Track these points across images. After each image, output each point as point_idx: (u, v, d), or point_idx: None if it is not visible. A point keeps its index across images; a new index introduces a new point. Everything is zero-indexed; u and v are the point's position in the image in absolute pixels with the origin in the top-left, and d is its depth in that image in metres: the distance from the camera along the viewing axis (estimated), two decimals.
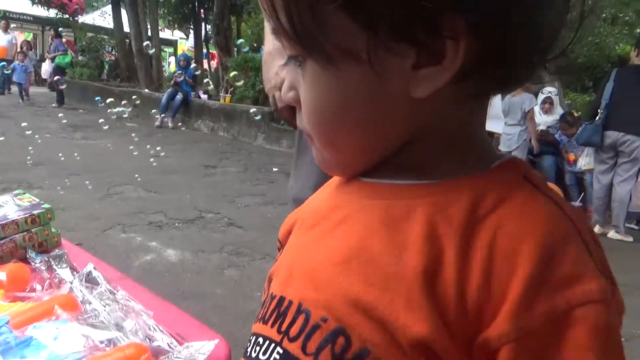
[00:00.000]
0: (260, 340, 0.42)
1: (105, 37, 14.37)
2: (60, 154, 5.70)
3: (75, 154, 5.91)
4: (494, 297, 0.32)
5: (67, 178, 4.66)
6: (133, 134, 7.36)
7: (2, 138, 5.90)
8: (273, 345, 0.40)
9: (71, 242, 2.85)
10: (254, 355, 0.42)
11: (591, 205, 4.95)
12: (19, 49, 11.58)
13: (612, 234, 4.55)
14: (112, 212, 3.74)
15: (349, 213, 0.41)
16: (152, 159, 6.01)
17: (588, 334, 0.31)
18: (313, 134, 0.41)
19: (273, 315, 0.42)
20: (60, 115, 8.95)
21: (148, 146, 6.47)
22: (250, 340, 0.43)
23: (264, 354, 0.40)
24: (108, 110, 2.25)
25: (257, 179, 5.50)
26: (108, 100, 2.48)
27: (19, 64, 10.64)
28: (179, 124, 9.04)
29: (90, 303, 0.90)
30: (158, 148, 6.41)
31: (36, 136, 6.77)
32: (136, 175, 4.98)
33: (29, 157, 5.03)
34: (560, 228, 0.34)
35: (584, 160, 5.32)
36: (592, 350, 0.31)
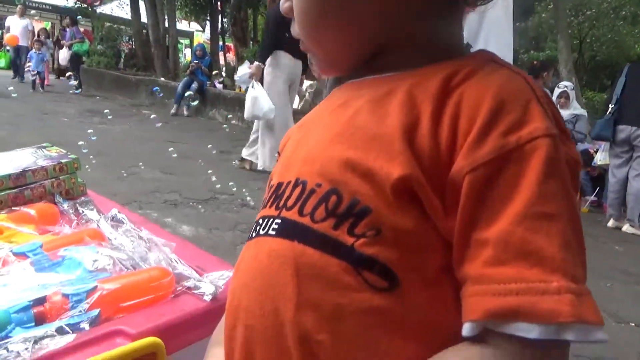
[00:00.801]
0: (260, 220, 0.47)
1: (122, 26, 14.52)
2: (78, 137, 5.80)
3: (93, 138, 6.02)
4: (459, 144, 0.37)
5: (85, 159, 4.75)
6: (149, 121, 7.45)
7: (21, 121, 6.02)
8: (271, 220, 0.45)
9: None
10: (254, 235, 0.46)
11: (606, 201, 4.92)
12: (36, 37, 11.59)
13: (626, 227, 4.52)
14: (129, 191, 3.81)
15: (338, 104, 0.47)
16: (167, 145, 6.09)
17: (536, 163, 0.35)
18: (303, 35, 0.48)
19: (271, 199, 0.47)
20: (78, 101, 9.10)
21: (164, 132, 6.57)
22: (251, 229, 0.48)
23: (263, 229, 0.45)
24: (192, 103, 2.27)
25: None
26: (187, 93, 2.47)
27: (35, 52, 10.63)
28: (185, 112, 9.12)
29: (116, 238, 0.94)
30: (174, 134, 6.50)
31: (54, 120, 6.90)
32: (152, 159, 5.06)
33: (47, 139, 5.14)
34: (514, 86, 0.39)
35: (600, 156, 5.28)
36: (538, 173, 0.35)
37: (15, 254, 0.80)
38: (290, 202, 0.44)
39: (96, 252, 0.83)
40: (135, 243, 0.93)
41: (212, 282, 0.80)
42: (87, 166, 4.39)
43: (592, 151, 5.63)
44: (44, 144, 1.31)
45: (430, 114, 0.39)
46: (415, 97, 0.41)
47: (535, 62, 6.43)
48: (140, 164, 4.77)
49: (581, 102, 7.26)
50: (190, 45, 18.74)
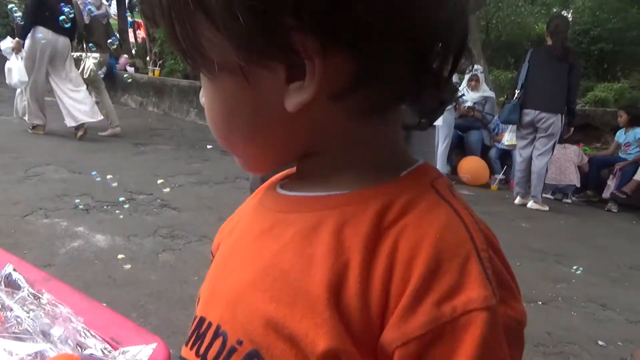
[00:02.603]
0: None
1: (15, 0, 13.06)
2: None
3: None
4: (391, 305, 0.34)
5: None
6: (52, 110, 6.83)
7: None
8: None
9: None
10: None
11: (513, 178, 5.30)
12: None
13: (531, 204, 4.92)
14: (32, 196, 3.47)
15: (264, 228, 0.42)
16: (74, 137, 5.63)
17: (469, 341, 0.32)
18: (215, 136, 0.44)
19: (193, 336, 0.43)
20: None
21: (69, 123, 6.04)
22: None
23: None
24: None
25: (191, 156, 5.33)
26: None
27: None
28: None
29: (11, 310, 0.83)
30: (80, 124, 6.01)
31: None
32: (58, 155, 4.65)
33: None
34: (453, 236, 0.35)
35: (507, 137, 5.67)
36: (471, 356, 0.32)
37: None
38: (210, 355, 0.39)
39: None
40: (36, 313, 0.83)
41: None
42: None
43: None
44: None
45: (359, 267, 0.35)
46: (343, 240, 0.37)
47: None
48: (44, 162, 4.37)
49: (489, 83, 7.69)
50: None
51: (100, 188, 3.79)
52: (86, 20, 5.69)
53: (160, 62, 8.65)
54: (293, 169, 0.46)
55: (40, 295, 0.88)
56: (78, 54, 5.77)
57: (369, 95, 0.37)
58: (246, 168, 0.46)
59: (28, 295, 0.87)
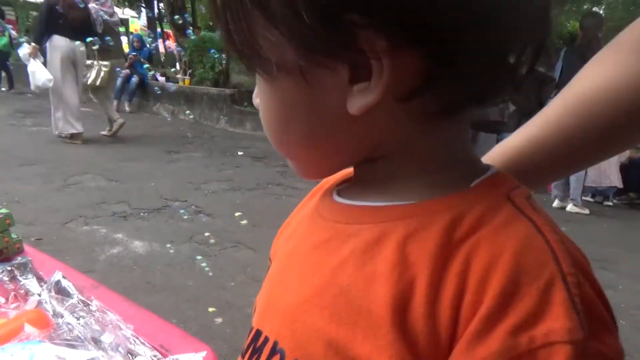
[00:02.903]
0: None
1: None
2: (10, 143, 5.39)
3: (27, 142, 5.61)
4: (461, 328, 0.30)
5: (20, 168, 4.42)
6: (88, 120, 7.04)
7: None
8: None
9: (30, 236, 2.69)
10: None
11: (551, 181, 5.15)
12: None
13: (570, 207, 4.76)
14: (72, 204, 3.57)
15: (321, 240, 0.40)
16: (109, 146, 5.77)
17: None
18: (269, 140, 0.41)
19: (250, 349, 0.41)
20: (7, 100, 8.45)
21: (105, 132, 6.22)
22: None
23: None
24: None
25: (223, 163, 5.39)
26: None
27: None
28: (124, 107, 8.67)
29: (62, 316, 0.83)
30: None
31: None
32: (94, 164, 4.78)
33: None
34: (534, 255, 0.31)
35: None
36: None
37: None
38: None
39: (40, 347, 0.72)
40: (86, 320, 0.83)
41: None
42: (21, 173, 4.05)
43: None
44: None
45: (426, 286, 0.31)
46: (408, 255, 0.33)
47: None
48: (82, 171, 4.49)
49: None
50: (126, 33, 17.80)
51: (135, 195, 3.86)
52: (99, 29, 5.66)
53: (190, 71, 8.80)
54: (350, 171, 0.43)
55: (89, 302, 0.88)
56: (90, 61, 5.84)
57: (440, 96, 0.33)
58: (300, 173, 0.43)
59: (78, 302, 0.87)
